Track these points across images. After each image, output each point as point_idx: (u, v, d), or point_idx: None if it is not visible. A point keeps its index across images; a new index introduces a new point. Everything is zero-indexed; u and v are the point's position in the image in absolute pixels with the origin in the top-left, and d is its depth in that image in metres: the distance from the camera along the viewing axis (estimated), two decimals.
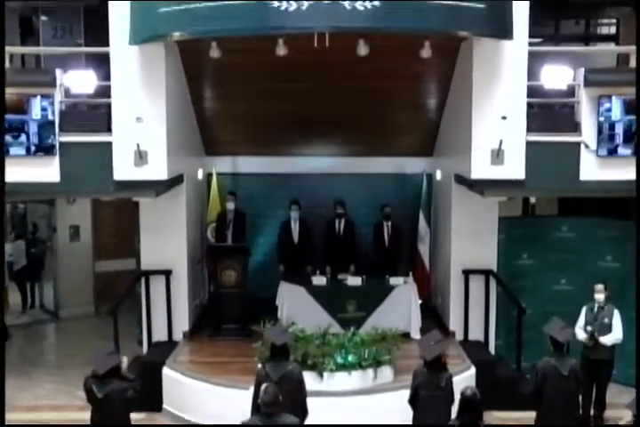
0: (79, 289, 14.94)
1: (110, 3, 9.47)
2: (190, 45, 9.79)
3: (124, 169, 9.81)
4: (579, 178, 10.03)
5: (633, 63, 10.14)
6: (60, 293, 15.01)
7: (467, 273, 11.05)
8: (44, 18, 13.77)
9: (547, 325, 8.29)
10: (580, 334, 9.47)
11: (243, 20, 8.21)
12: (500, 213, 11.18)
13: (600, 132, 9.88)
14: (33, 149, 9.83)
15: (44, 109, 9.81)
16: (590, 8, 13.54)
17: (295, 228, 12.60)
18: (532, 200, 14.37)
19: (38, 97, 9.77)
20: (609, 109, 9.82)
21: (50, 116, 9.81)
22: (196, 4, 8.37)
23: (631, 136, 9.81)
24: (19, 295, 15.68)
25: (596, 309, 9.54)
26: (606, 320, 9.47)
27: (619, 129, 9.85)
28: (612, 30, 14.31)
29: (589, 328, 9.46)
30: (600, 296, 9.51)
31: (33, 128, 9.80)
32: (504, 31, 9.10)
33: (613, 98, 9.78)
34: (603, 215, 11.72)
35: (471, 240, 11.02)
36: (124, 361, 7.55)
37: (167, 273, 10.93)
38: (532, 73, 9.95)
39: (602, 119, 9.85)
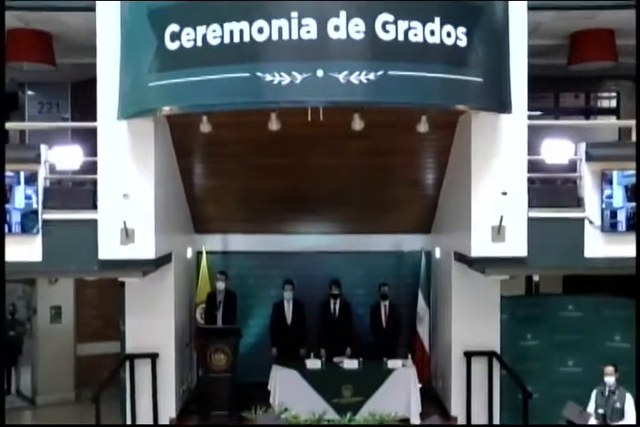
0: (59, 374, 14.63)
1: (98, 77, 9.55)
2: (180, 120, 9.85)
3: (109, 248, 9.72)
4: (583, 255, 9.98)
5: (635, 137, 10.24)
6: (38, 377, 14.69)
7: (468, 355, 10.94)
8: (30, 92, 13.91)
9: (564, 409, 8.15)
10: (592, 420, 9.27)
11: (234, 94, 8.24)
12: (503, 292, 11.15)
13: (602, 218, 9.91)
14: (14, 227, 9.76)
15: (28, 198, 9.77)
16: (590, 81, 13.76)
17: (288, 309, 12.48)
18: (536, 278, 14.31)
19: (22, 185, 9.73)
20: (610, 196, 9.87)
21: (34, 205, 9.76)
22: (187, 78, 8.42)
23: (634, 224, 9.83)
24: None
25: (606, 392, 9.36)
26: (618, 405, 9.28)
27: (621, 216, 9.87)
28: (613, 104, 14.51)
29: (600, 411, 9.27)
30: (610, 379, 9.34)
31: (15, 217, 9.74)
32: (503, 105, 9.18)
33: (615, 185, 9.82)
34: (610, 293, 11.66)
35: (472, 321, 10.94)
36: None
37: (153, 357, 10.76)
38: (533, 147, 10.01)
39: (603, 206, 9.89)
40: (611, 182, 9.85)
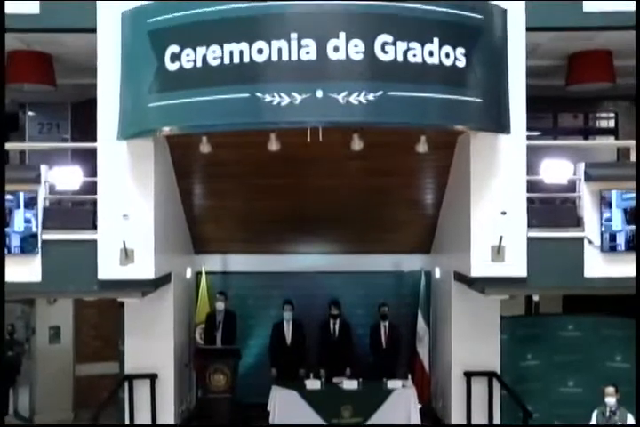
0: (57, 394, 14.55)
1: (99, 98, 9.61)
2: (180, 140, 9.91)
3: (109, 268, 9.74)
4: (583, 274, 9.98)
5: (633, 157, 10.28)
6: (36, 398, 14.61)
7: (469, 375, 10.93)
8: (30, 113, 13.97)
9: None
10: None
11: (234, 114, 8.29)
12: (502, 312, 11.16)
13: (602, 238, 9.92)
14: (13, 248, 9.79)
15: (27, 221, 9.79)
16: (588, 102, 13.82)
17: (288, 329, 12.48)
18: (536, 298, 14.30)
19: (22, 208, 9.76)
20: (609, 219, 9.88)
21: (33, 229, 9.78)
22: (186, 99, 8.47)
23: (633, 246, 9.85)
24: None
25: (607, 413, 9.35)
26: (619, 425, 9.28)
27: (620, 239, 9.88)
28: (611, 124, 14.58)
29: None
30: (611, 400, 9.34)
31: (15, 241, 9.77)
32: (501, 125, 9.24)
33: (614, 209, 9.85)
34: (610, 313, 11.66)
35: (472, 341, 10.94)
36: None
37: (152, 377, 10.74)
38: (532, 167, 10.04)
39: (602, 229, 9.90)
40: (610, 205, 9.86)
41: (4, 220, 9.64)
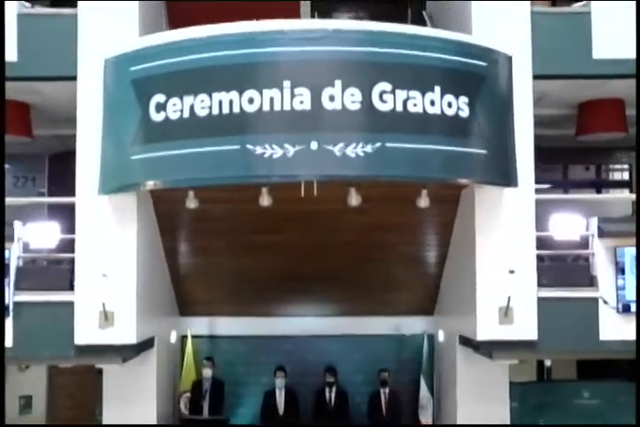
0: None
1: (78, 149, 9.64)
2: (165, 195, 9.94)
3: (86, 332, 9.66)
4: (598, 337, 9.93)
5: None
6: None
7: None
8: (6, 166, 14.01)
9: None
10: None
11: (223, 167, 8.31)
12: (512, 378, 11.10)
13: (617, 298, 9.91)
14: None
15: None
16: (600, 153, 13.94)
17: (280, 397, 12.41)
18: (548, 363, 14.22)
19: None
20: (622, 287, 9.86)
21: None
22: (172, 151, 8.51)
23: None
24: None
25: None
26: None
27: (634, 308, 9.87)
28: (625, 176, 14.69)
29: None
30: None
31: None
32: (508, 178, 9.30)
33: (627, 275, 9.83)
34: (629, 379, 11.59)
35: (480, 409, 10.86)
36: None
37: None
38: (541, 222, 10.07)
39: (617, 298, 9.89)
40: (623, 271, 9.87)
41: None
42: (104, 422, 10.86)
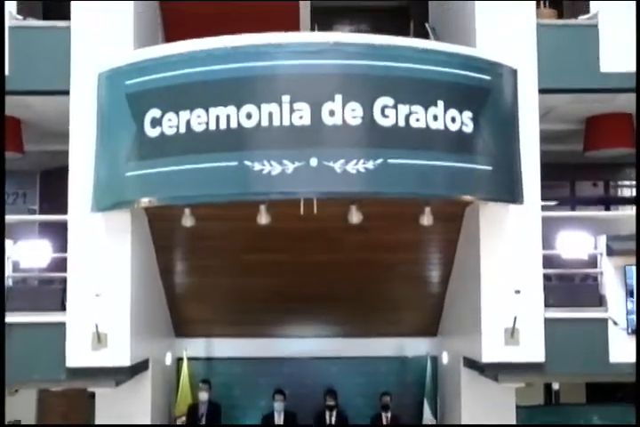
0: None
1: (70, 166, 9.60)
2: (160, 212, 9.89)
3: (78, 354, 9.58)
4: (608, 359, 9.88)
5: None
6: None
7: None
8: None
9: None
10: None
11: (220, 184, 8.28)
12: (519, 402, 11.07)
13: (628, 321, 9.84)
14: None
15: None
16: (609, 169, 13.92)
17: (279, 421, 12.38)
18: (556, 386, 14.14)
19: None
20: (632, 312, 9.80)
21: None
22: (168, 168, 8.48)
23: None
24: None
25: None
26: None
27: None
28: (634, 192, 14.66)
29: None
30: None
31: None
32: (513, 195, 9.26)
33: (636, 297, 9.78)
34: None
35: None
36: None
37: None
38: (548, 240, 10.04)
39: (627, 322, 9.83)
40: (632, 294, 9.80)
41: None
42: None
